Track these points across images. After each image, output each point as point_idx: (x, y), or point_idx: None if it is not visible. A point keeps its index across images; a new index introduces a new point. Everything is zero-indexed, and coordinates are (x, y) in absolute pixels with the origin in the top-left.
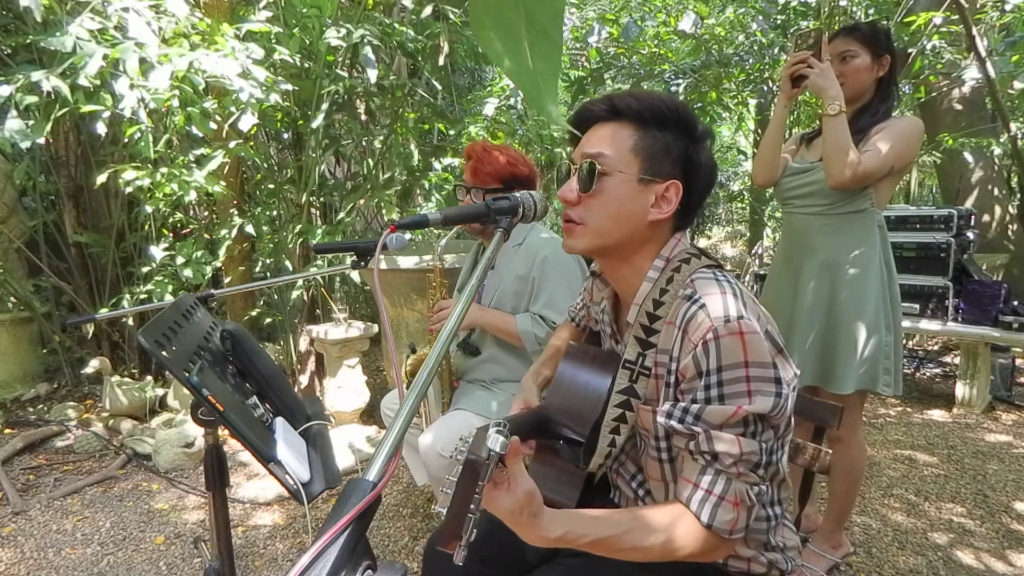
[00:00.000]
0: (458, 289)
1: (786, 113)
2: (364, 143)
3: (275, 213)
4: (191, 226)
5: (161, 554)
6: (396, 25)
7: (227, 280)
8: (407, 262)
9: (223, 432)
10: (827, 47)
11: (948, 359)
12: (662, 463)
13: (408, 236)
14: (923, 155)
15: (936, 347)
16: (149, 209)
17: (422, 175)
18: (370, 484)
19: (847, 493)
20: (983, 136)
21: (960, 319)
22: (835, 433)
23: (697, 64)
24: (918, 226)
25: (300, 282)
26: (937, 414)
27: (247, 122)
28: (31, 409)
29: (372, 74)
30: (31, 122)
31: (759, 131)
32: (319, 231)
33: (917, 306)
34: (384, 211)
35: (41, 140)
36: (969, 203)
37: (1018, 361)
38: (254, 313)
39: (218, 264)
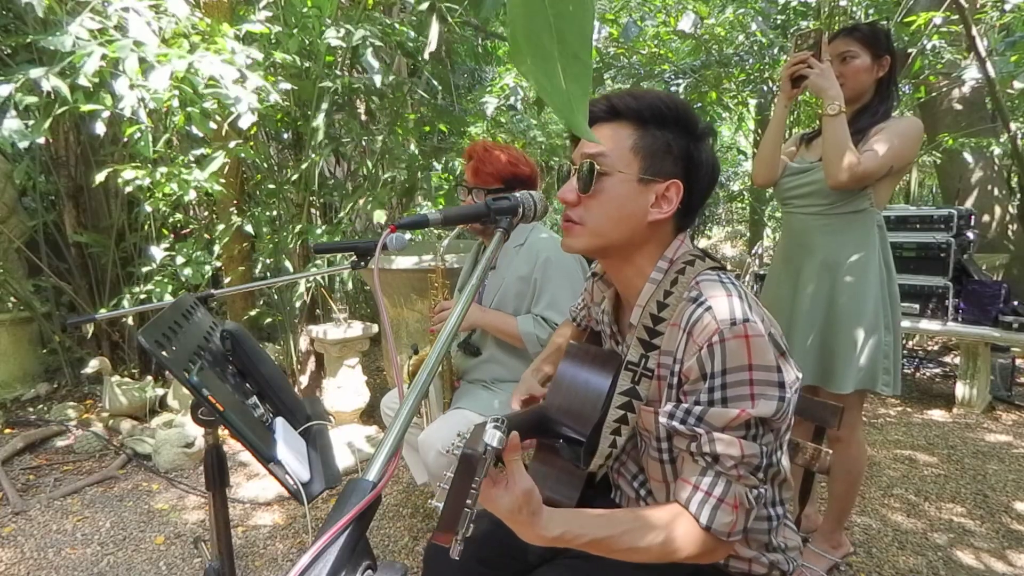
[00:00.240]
0: (459, 289)
1: (786, 113)
2: (364, 143)
3: (275, 213)
4: (191, 226)
5: (161, 554)
6: (396, 25)
7: (227, 280)
8: (407, 262)
9: (223, 432)
10: (827, 47)
11: (948, 359)
12: (663, 464)
13: (408, 236)
14: (923, 155)
15: (935, 347)
16: (149, 209)
17: (423, 175)
18: (370, 484)
19: (847, 493)
20: (983, 136)
21: (960, 319)
22: (835, 433)
23: (697, 64)
24: (918, 226)
25: (301, 284)
26: (937, 414)
27: (247, 121)
28: (31, 409)
29: (377, 79)
30: (31, 122)
31: (759, 131)
32: (319, 231)
33: (917, 306)
34: (373, 212)
35: (41, 140)
36: (969, 203)
37: (1018, 361)
38: (254, 313)
39: (216, 263)
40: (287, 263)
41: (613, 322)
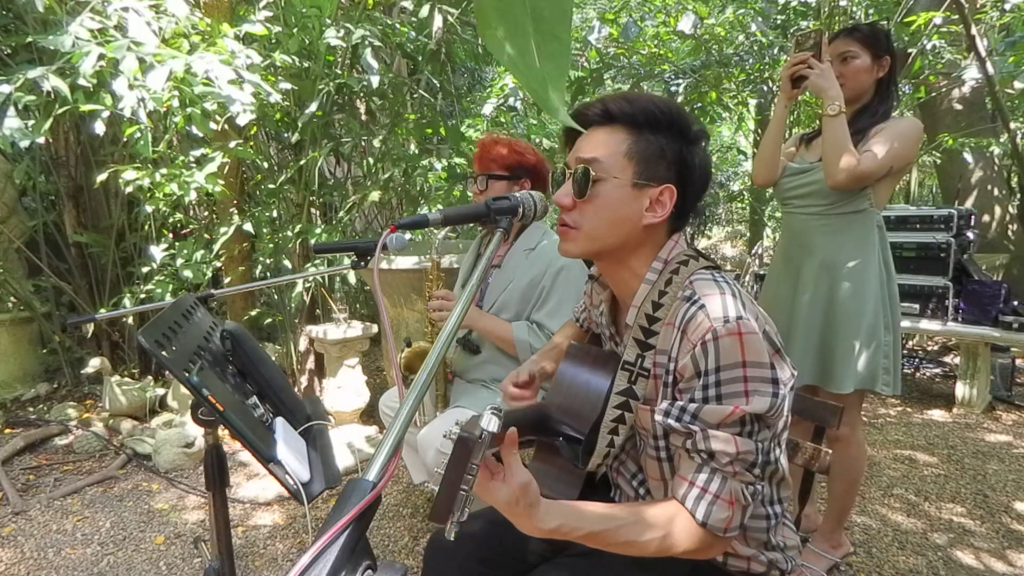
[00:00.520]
0: (460, 285)
1: (786, 113)
2: (363, 143)
3: (275, 213)
4: (191, 226)
5: (161, 554)
6: (397, 26)
7: (227, 280)
8: (407, 262)
9: (223, 432)
10: (827, 48)
11: (948, 359)
12: (660, 462)
13: (408, 236)
14: (923, 155)
15: (935, 348)
16: (149, 209)
17: (422, 175)
18: (370, 484)
19: (847, 493)
20: (983, 136)
21: (960, 319)
22: (835, 433)
23: (697, 64)
24: (918, 226)
25: (299, 284)
26: (937, 414)
27: (244, 118)
28: (31, 409)
29: (375, 80)
30: (31, 122)
31: (759, 131)
32: (319, 231)
33: (917, 306)
34: (369, 196)
35: (41, 140)
36: (969, 203)
37: (1018, 361)
38: (254, 313)
39: (216, 263)
40: (287, 263)
41: (610, 323)
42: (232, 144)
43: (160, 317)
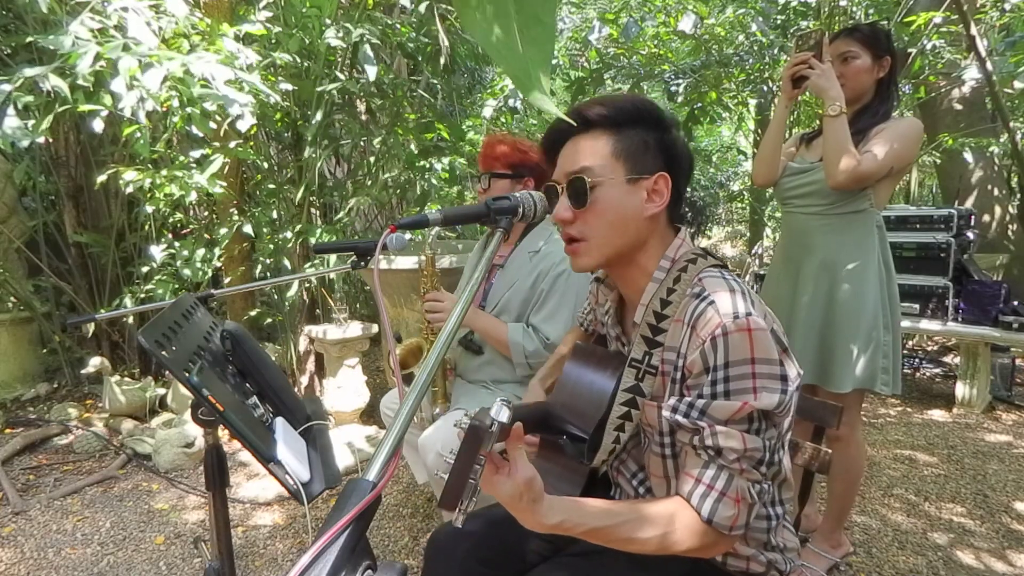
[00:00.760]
0: (464, 285)
1: (787, 113)
2: (363, 143)
3: (275, 214)
4: (191, 226)
5: (161, 554)
6: (397, 26)
7: (227, 280)
8: (407, 262)
9: (223, 432)
10: (828, 48)
11: (948, 359)
12: (665, 459)
13: (408, 236)
14: (923, 155)
15: (934, 348)
16: (149, 209)
17: (422, 175)
18: (370, 484)
19: (846, 493)
20: (983, 136)
21: (960, 319)
22: (834, 433)
23: (697, 64)
24: (918, 226)
25: (295, 283)
26: (937, 414)
27: (246, 123)
28: (31, 409)
29: (371, 71)
30: (31, 122)
31: (759, 131)
32: (319, 231)
33: (917, 306)
34: (372, 199)
35: (41, 140)
36: (969, 203)
37: (1018, 361)
38: (254, 313)
39: (216, 264)
40: (287, 263)
41: (616, 323)
42: (232, 144)
43: (160, 317)
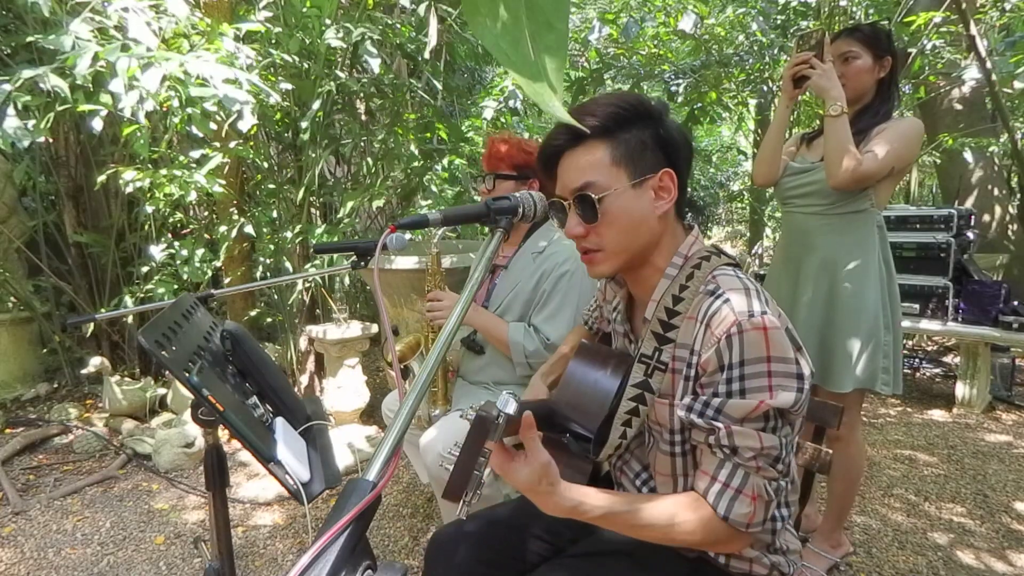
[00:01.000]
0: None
1: (788, 113)
2: (363, 143)
3: (275, 214)
4: (191, 226)
5: (161, 554)
6: (397, 26)
7: (227, 280)
8: (407, 262)
9: (223, 432)
10: (829, 48)
11: (948, 359)
12: (674, 457)
13: (408, 236)
14: (923, 155)
15: (933, 349)
16: (149, 209)
17: (422, 175)
18: (370, 484)
19: (846, 493)
20: (983, 136)
21: (960, 319)
22: (834, 432)
23: (697, 64)
24: (918, 226)
25: (299, 284)
26: (937, 414)
27: (246, 122)
28: (31, 409)
29: (374, 63)
30: (31, 122)
31: (759, 131)
32: (319, 231)
33: (917, 306)
34: (374, 203)
35: (41, 140)
36: (969, 203)
37: (1018, 361)
38: (254, 313)
39: (216, 263)
40: (287, 263)
41: (626, 321)
42: (232, 144)
43: (160, 317)
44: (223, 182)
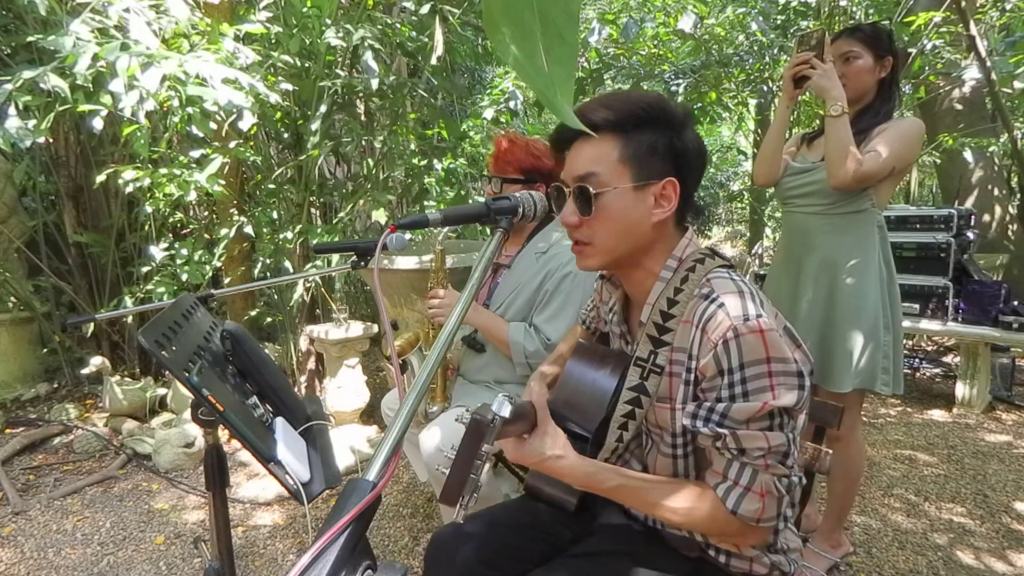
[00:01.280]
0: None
1: (788, 113)
2: (364, 143)
3: (275, 214)
4: (191, 226)
5: (161, 554)
6: (397, 26)
7: (227, 280)
8: (407, 262)
9: (223, 432)
10: (829, 48)
11: (948, 359)
12: (675, 459)
13: (408, 236)
14: (923, 155)
15: (933, 348)
16: (149, 209)
17: (422, 175)
18: (370, 484)
19: (846, 493)
20: (983, 136)
21: (960, 319)
22: (834, 432)
23: (697, 64)
24: (918, 226)
25: (300, 284)
26: (937, 414)
27: (246, 122)
28: (31, 409)
29: (374, 82)
30: (31, 122)
31: (759, 131)
32: (319, 231)
33: (917, 306)
34: (373, 212)
35: (41, 140)
36: (969, 203)
37: (1018, 361)
38: (254, 313)
39: (216, 263)
40: (287, 263)
41: (622, 321)
42: (232, 144)
43: (160, 317)
44: (223, 182)
